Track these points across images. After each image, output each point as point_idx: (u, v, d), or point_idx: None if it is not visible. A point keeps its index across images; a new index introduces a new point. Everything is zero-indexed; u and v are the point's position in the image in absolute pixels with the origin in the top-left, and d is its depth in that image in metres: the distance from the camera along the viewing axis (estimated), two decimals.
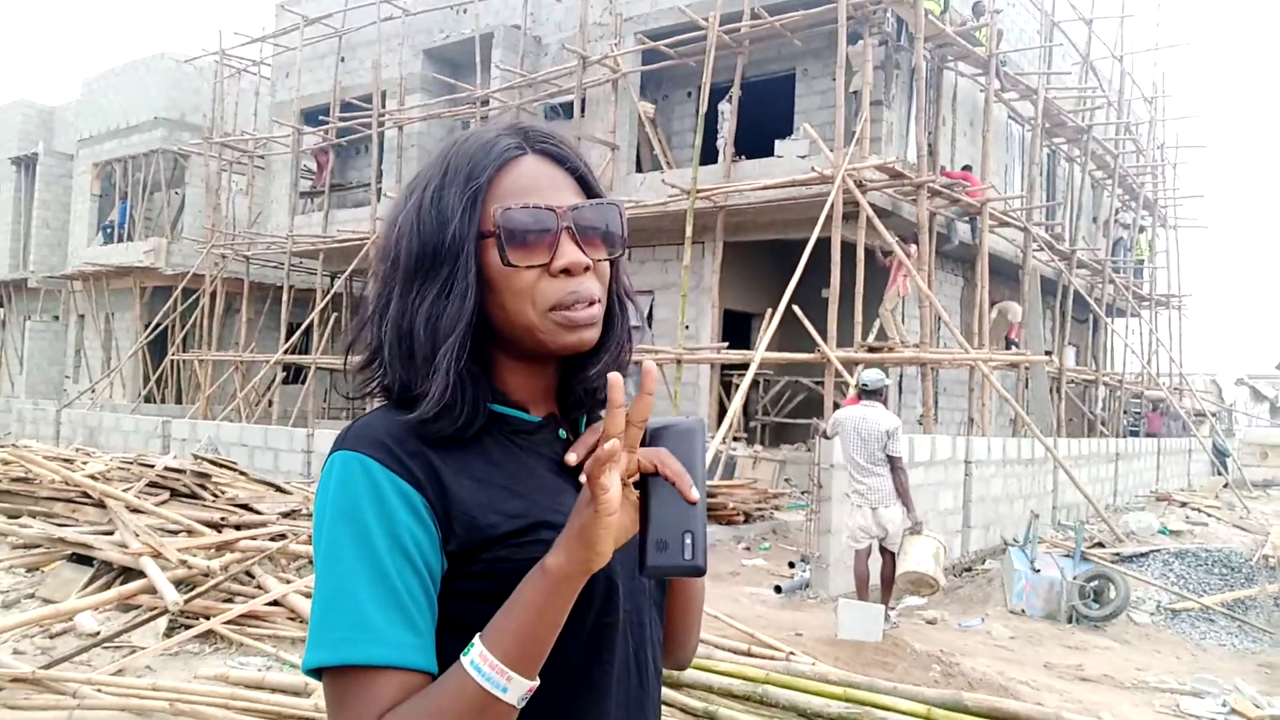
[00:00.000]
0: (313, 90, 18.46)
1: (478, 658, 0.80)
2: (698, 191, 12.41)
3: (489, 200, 0.92)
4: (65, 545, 6.81)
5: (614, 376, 0.81)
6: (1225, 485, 17.56)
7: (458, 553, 0.89)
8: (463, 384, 0.92)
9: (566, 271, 0.92)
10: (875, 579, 6.62)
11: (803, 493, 11.40)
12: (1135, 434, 18.57)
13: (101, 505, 7.63)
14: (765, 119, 13.83)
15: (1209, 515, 13.48)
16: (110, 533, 6.97)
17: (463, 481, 0.90)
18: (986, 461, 9.90)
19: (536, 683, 0.82)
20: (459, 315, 0.91)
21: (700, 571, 0.82)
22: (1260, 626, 7.74)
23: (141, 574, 6.04)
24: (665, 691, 4.42)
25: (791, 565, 7.91)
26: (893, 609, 6.69)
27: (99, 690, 4.37)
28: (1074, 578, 7.67)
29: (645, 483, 0.83)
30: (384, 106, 16.69)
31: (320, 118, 18.19)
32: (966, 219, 13.52)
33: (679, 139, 15.22)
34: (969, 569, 9.17)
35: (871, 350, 11.15)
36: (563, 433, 1.01)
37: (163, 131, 21.05)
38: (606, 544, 0.80)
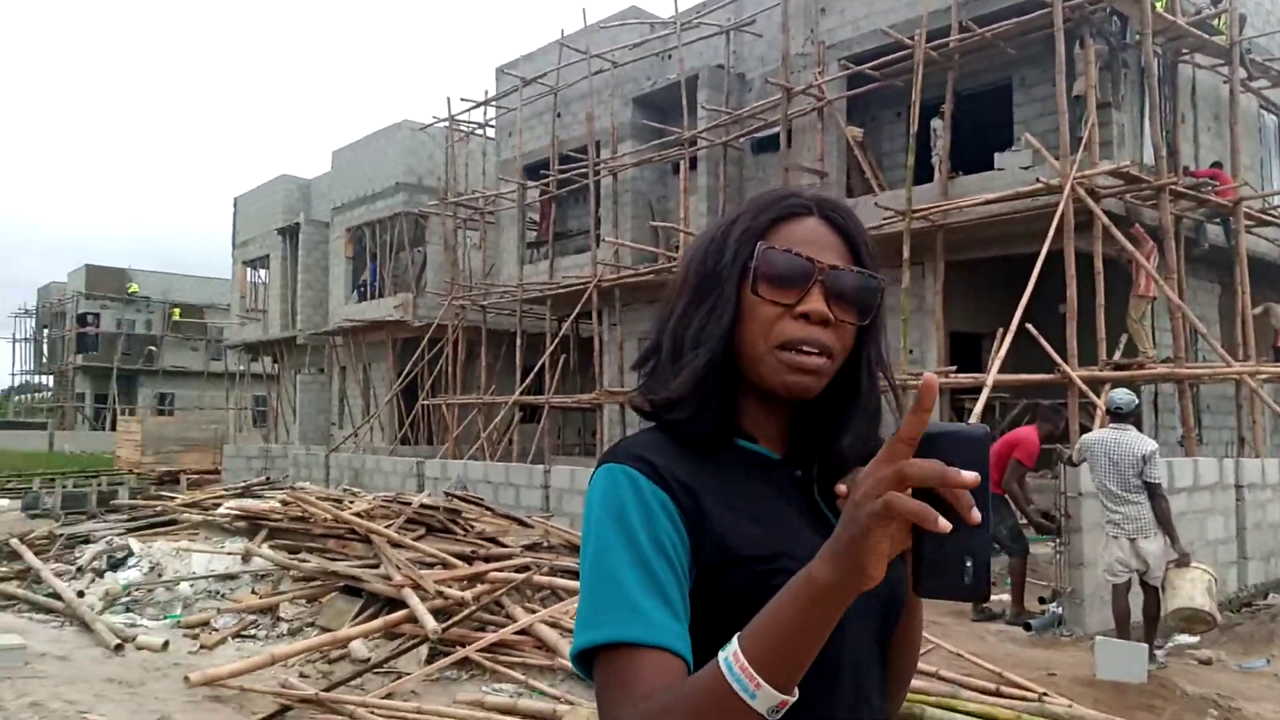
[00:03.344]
0: (533, 146, 19.55)
1: (730, 656, 0.79)
2: (913, 211, 12.10)
3: (762, 241, 1.03)
4: (338, 578, 7.50)
5: (928, 377, 0.77)
6: None
7: (707, 565, 0.96)
8: (708, 388, 1.02)
9: (806, 317, 1.00)
10: (1137, 615, 6.14)
11: (1051, 521, 10.73)
12: None
13: (367, 540, 8.36)
14: (981, 132, 13.31)
15: None
16: (376, 566, 7.62)
17: (713, 500, 0.99)
18: (1262, 485, 8.95)
19: (792, 698, 0.79)
20: (717, 330, 1.02)
21: (983, 597, 0.77)
22: None
23: (404, 604, 6.56)
24: None
25: (1042, 601, 7.47)
26: (1159, 648, 6.18)
27: (372, 713, 4.78)
28: None
29: (923, 498, 0.75)
30: (598, 155, 17.40)
31: (541, 171, 19.21)
32: (1218, 220, 12.38)
33: (889, 160, 14.91)
34: (1247, 604, 8.30)
35: (1118, 368, 10.39)
36: (799, 473, 1.08)
37: (404, 195, 22.95)
38: (876, 566, 0.76)
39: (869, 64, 13.43)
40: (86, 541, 8.83)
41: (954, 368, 12.10)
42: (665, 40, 17.02)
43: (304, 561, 8.01)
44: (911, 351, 12.62)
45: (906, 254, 12.07)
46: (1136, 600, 6.13)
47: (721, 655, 0.80)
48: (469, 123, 21.48)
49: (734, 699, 0.78)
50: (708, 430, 1.03)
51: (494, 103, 20.59)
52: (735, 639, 0.81)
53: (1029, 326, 9.88)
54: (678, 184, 16.30)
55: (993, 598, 7.73)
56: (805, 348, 1.00)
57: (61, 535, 9.22)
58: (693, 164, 16.15)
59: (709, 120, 15.63)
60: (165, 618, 7.13)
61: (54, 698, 5.20)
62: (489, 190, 20.71)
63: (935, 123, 12.93)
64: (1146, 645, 5.78)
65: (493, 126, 21.47)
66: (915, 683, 4.93)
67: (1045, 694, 4.73)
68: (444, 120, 21.12)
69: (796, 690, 0.81)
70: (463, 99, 20.89)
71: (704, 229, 1.13)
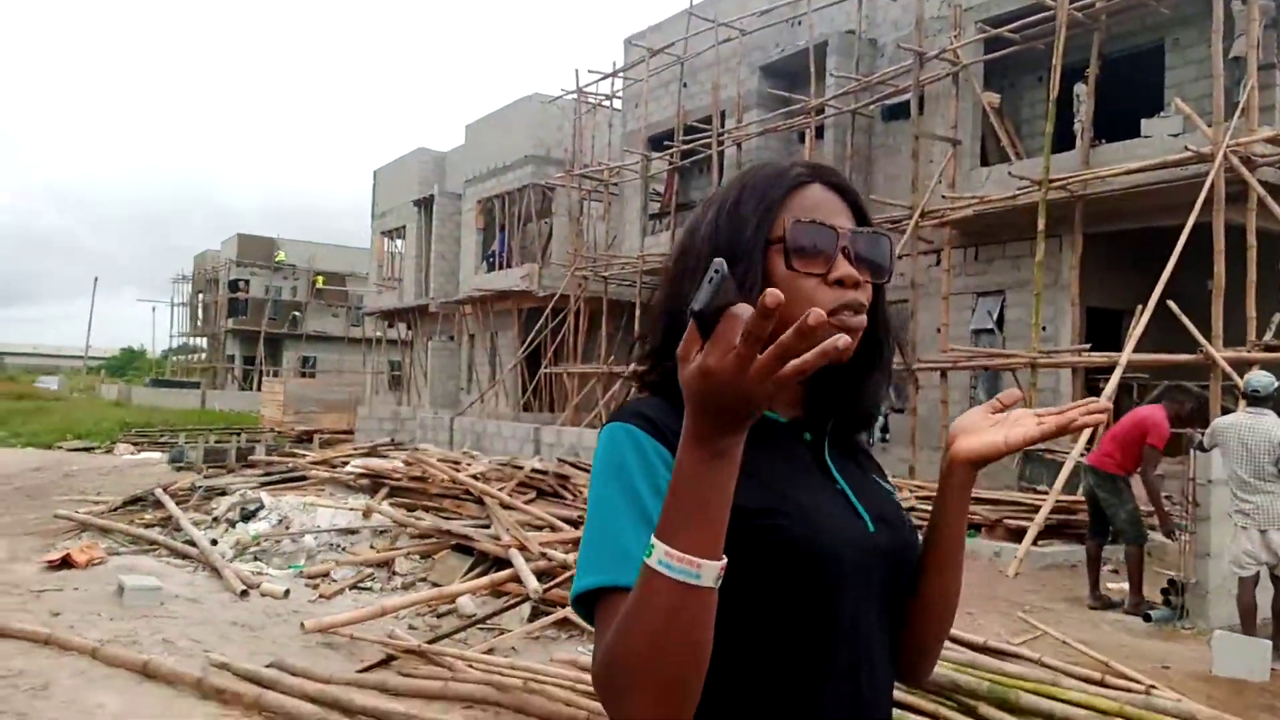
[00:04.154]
0: (658, 117, 19.54)
1: (664, 556, 0.82)
2: (1050, 181, 11.52)
3: (780, 213, 1.04)
4: (451, 536, 7.78)
5: (771, 292, 0.77)
6: None
7: None
8: None
9: (840, 283, 1.02)
10: (1265, 612, 5.75)
11: (1184, 511, 10.13)
12: None
13: (480, 502, 8.64)
14: (1128, 97, 12.53)
15: None
16: (487, 526, 7.87)
17: None
18: None
19: (724, 560, 0.83)
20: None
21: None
22: None
23: (510, 564, 6.75)
24: (1003, 716, 4.15)
25: (1164, 593, 7.05)
26: None
27: (470, 665, 4.96)
28: None
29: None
30: (723, 126, 17.24)
31: (665, 142, 19.19)
32: None
33: (1028, 127, 14.22)
34: None
35: (1269, 349, 9.67)
36: (808, 435, 1.10)
37: (532, 168, 23.35)
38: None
39: (1008, 26, 12.81)
40: (223, 493, 9.44)
41: (1088, 345, 11.51)
42: (795, 6, 16.65)
43: (420, 519, 8.34)
44: (1045, 328, 12.07)
45: (1042, 225, 11.53)
46: (1266, 595, 5.74)
47: (652, 560, 0.82)
48: (596, 95, 21.64)
49: (686, 589, 0.82)
50: None
51: (621, 74, 20.65)
52: (656, 540, 0.83)
53: (1170, 303, 9.32)
54: (803, 153, 16.00)
55: (1110, 585, 7.36)
56: (847, 311, 1.01)
57: (201, 487, 9.88)
58: (819, 133, 15.82)
59: (838, 87, 15.26)
60: (289, 567, 7.56)
61: (182, 636, 5.60)
62: (614, 162, 20.84)
63: (1078, 88, 12.27)
64: (1271, 642, 5.41)
65: (619, 98, 21.54)
66: (1013, 668, 4.75)
67: (1153, 686, 4.49)
68: (572, 93, 21.34)
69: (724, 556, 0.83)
70: (590, 70, 21.08)
71: (697, 210, 1.14)
